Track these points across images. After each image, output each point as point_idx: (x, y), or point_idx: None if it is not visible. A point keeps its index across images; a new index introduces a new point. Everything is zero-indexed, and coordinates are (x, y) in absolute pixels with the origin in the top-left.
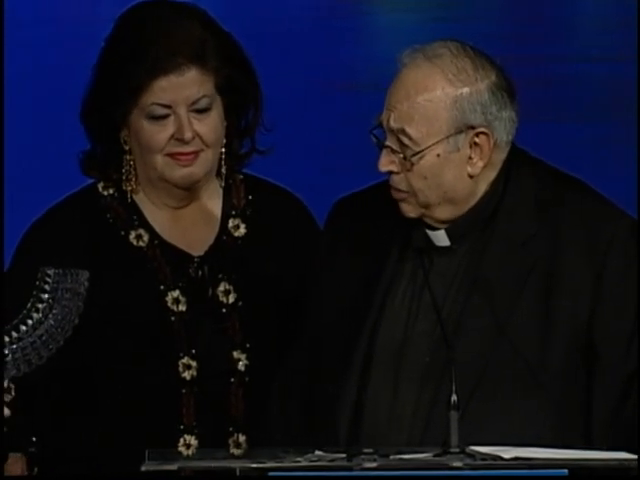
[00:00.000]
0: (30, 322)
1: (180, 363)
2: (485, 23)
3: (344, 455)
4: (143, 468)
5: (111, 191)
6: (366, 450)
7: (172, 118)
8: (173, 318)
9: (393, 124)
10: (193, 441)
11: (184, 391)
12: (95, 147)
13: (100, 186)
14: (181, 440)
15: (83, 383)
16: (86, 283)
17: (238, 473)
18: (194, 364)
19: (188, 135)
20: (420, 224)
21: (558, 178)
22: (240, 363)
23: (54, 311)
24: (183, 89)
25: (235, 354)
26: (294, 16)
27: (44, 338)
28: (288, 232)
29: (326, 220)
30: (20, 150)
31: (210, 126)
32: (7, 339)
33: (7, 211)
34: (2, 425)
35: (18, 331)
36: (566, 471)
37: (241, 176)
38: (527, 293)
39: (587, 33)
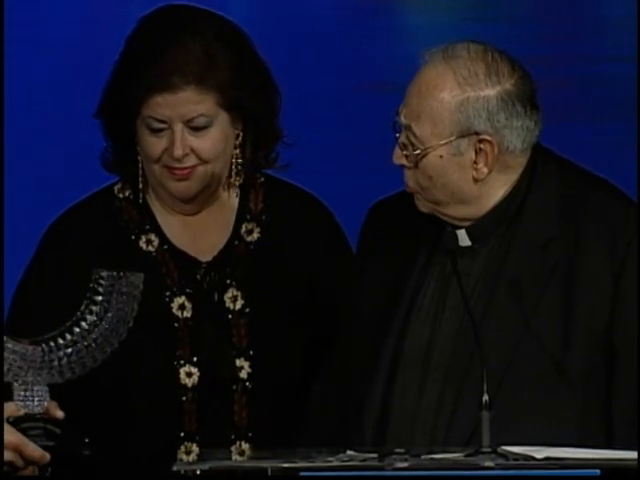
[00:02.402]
0: (84, 324)
1: (182, 370)
2: (516, 24)
3: (375, 455)
4: (175, 468)
5: (127, 193)
6: (397, 450)
7: (168, 132)
8: (177, 325)
9: (404, 120)
10: (194, 448)
11: (185, 398)
12: (109, 144)
13: (116, 188)
14: (182, 447)
15: (86, 387)
16: (141, 286)
17: (270, 473)
18: (196, 371)
19: (178, 153)
20: (446, 224)
21: (583, 177)
22: (243, 371)
23: (109, 314)
24: (178, 107)
25: (238, 362)
26: (326, 16)
27: (99, 342)
28: (305, 237)
29: (363, 223)
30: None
31: (208, 143)
32: (62, 341)
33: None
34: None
35: (72, 333)
36: (598, 471)
37: (262, 179)
38: (549, 294)
39: (617, 33)
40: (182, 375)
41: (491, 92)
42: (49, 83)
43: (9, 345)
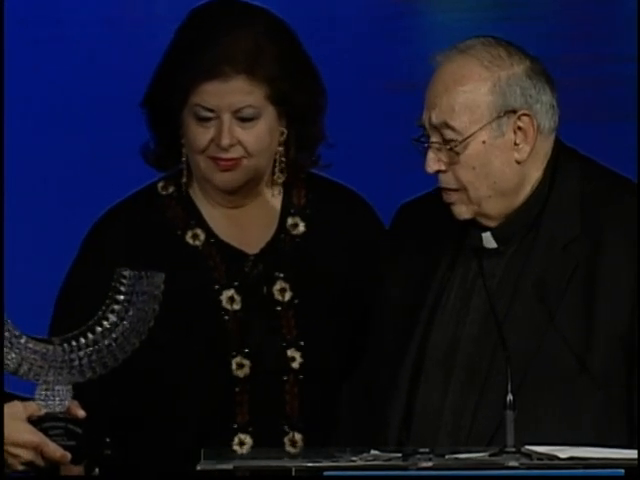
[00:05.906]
0: (106, 324)
1: (233, 362)
2: (541, 23)
3: (400, 455)
4: (199, 467)
5: (170, 190)
6: (422, 450)
7: (215, 122)
8: (227, 317)
9: (435, 120)
10: (248, 440)
11: (237, 389)
12: (153, 137)
13: (160, 185)
14: (235, 439)
15: (138, 383)
16: (162, 285)
17: (294, 473)
18: (247, 362)
19: (225, 142)
20: (472, 226)
21: (606, 176)
22: (294, 361)
23: (130, 313)
24: (227, 96)
25: (289, 352)
26: (352, 16)
27: (119, 341)
28: (348, 230)
29: (390, 224)
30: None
31: (254, 135)
32: (83, 341)
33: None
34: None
35: (94, 332)
36: (622, 471)
37: (302, 175)
38: (571, 295)
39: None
40: (234, 366)
41: (518, 69)
42: (72, 84)
43: (30, 345)
